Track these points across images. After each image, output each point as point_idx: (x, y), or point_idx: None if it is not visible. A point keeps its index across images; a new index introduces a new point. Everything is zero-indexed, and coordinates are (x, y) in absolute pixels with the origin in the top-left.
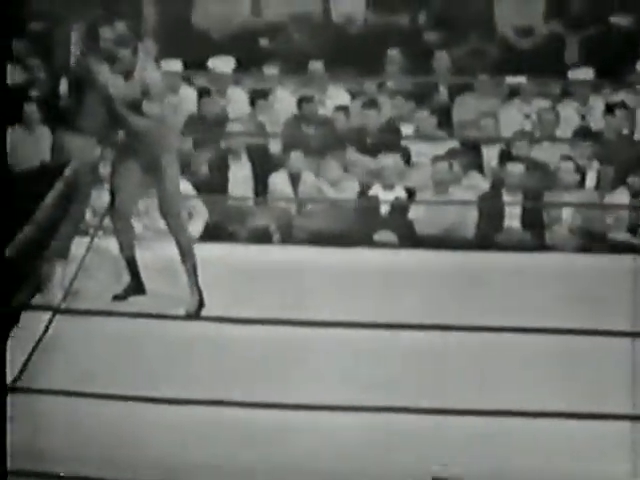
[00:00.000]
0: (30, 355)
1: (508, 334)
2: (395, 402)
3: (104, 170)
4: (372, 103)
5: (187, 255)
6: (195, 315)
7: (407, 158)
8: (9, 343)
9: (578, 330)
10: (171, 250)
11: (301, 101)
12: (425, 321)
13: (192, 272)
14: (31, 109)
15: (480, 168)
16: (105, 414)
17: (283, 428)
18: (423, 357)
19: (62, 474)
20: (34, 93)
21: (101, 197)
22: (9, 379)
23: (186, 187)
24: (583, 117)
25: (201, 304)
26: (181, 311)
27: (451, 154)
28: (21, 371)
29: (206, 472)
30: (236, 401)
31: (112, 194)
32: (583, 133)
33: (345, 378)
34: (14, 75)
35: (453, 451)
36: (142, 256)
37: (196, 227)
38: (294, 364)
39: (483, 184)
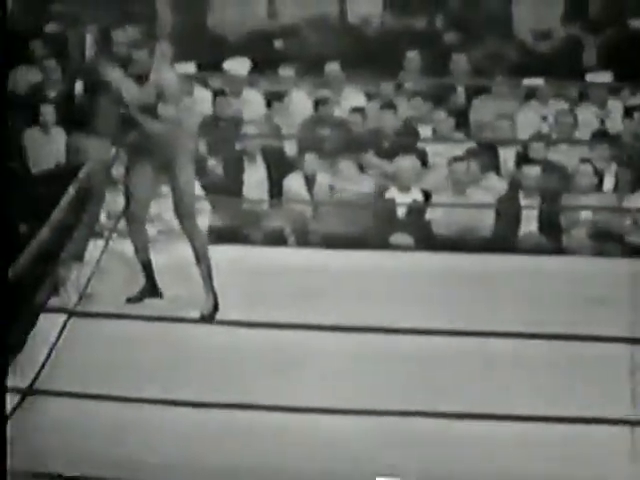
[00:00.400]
0: (46, 358)
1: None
2: (404, 407)
3: (117, 172)
4: (389, 105)
5: (202, 257)
6: (210, 318)
7: (424, 160)
8: (27, 345)
9: (580, 336)
10: (185, 252)
11: (317, 103)
12: (440, 324)
13: (207, 274)
14: (47, 110)
15: (497, 170)
16: (118, 416)
17: (292, 431)
18: (427, 361)
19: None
20: (50, 94)
21: (115, 200)
22: (27, 382)
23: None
24: (601, 120)
25: (216, 307)
26: (195, 314)
27: (469, 155)
28: (37, 374)
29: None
30: (250, 404)
31: (126, 196)
32: (601, 136)
33: (360, 382)
34: (30, 76)
35: (453, 454)
36: (156, 258)
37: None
38: (308, 367)
39: (500, 186)
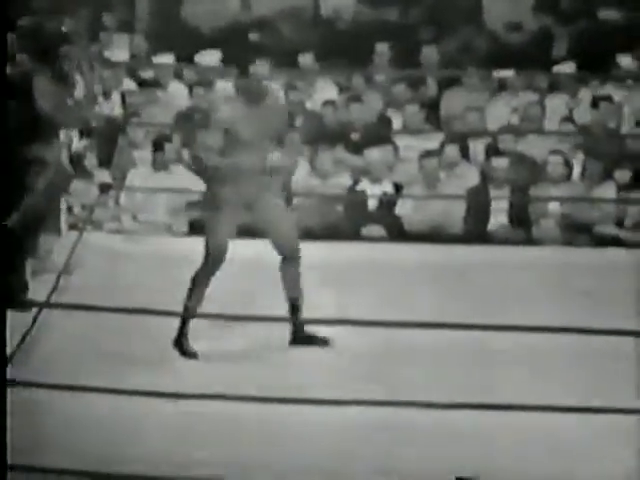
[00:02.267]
0: (15, 349)
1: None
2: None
3: (90, 163)
4: (359, 98)
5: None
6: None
7: (396, 152)
8: None
9: (584, 329)
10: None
11: (289, 94)
12: (413, 316)
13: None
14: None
15: (468, 162)
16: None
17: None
18: (399, 354)
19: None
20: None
21: (89, 191)
22: None
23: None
24: (570, 111)
25: None
26: None
27: (440, 148)
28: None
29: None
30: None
31: (207, 242)
32: (568, 124)
33: (335, 375)
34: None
35: (459, 446)
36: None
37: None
38: (287, 361)
39: (473, 177)
